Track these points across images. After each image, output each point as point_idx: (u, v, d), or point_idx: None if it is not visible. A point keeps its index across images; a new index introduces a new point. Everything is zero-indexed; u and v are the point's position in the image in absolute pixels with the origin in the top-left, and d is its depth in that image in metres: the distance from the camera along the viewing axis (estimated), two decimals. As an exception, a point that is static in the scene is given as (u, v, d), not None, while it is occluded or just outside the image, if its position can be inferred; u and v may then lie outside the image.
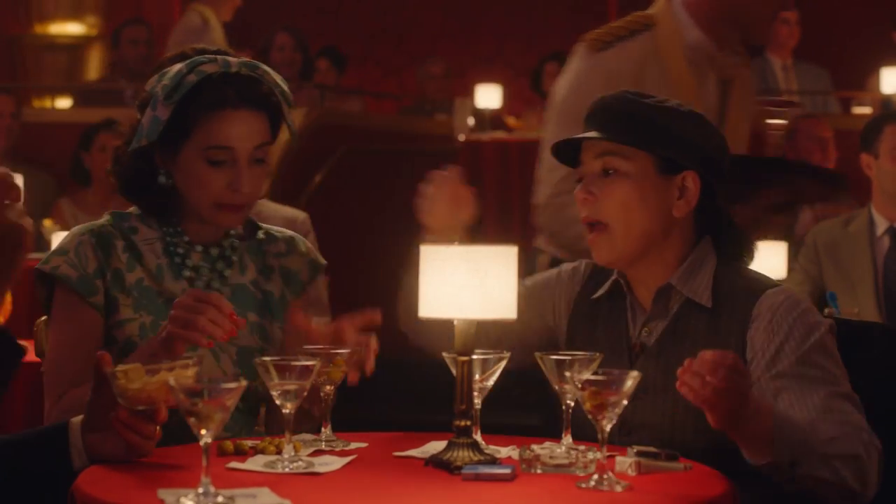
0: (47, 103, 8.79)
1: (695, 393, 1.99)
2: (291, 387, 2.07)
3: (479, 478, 2.00)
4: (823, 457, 2.12)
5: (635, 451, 2.07)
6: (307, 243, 2.62)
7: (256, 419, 2.52)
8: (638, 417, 2.21)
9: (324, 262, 2.64)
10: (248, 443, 2.20)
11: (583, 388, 1.99)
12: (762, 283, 2.36)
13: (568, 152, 2.44)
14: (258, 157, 2.44)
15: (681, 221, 2.37)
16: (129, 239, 2.48)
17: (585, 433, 2.16)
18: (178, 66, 2.41)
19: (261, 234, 2.59)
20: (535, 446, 2.10)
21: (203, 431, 1.84)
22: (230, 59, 2.43)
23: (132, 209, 2.55)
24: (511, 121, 9.07)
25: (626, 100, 2.37)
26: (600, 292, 2.48)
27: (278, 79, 2.47)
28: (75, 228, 2.49)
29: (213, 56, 2.43)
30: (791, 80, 7.98)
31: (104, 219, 2.51)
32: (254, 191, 2.44)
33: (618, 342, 2.41)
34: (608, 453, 2.00)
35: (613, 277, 2.46)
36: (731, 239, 2.42)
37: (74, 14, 9.09)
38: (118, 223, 2.50)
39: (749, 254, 2.43)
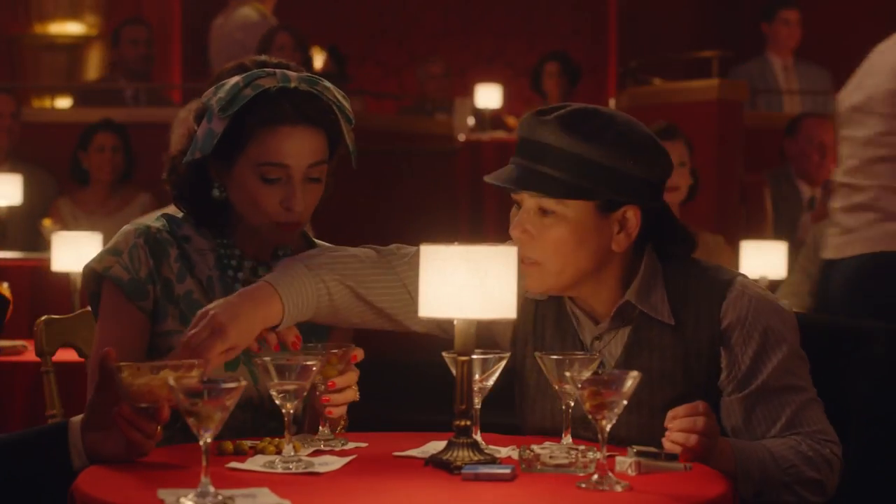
0: (47, 103, 8.79)
1: (684, 438, 2.11)
2: (291, 387, 2.07)
3: (479, 478, 2.00)
4: (786, 484, 2.22)
5: (635, 451, 2.07)
6: None
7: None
8: (614, 433, 2.17)
9: None
10: (248, 443, 2.20)
11: (582, 388, 1.99)
12: (718, 284, 2.31)
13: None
14: (313, 176, 2.38)
15: (620, 252, 2.31)
16: (182, 247, 2.44)
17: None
18: (235, 79, 2.34)
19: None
20: (535, 446, 2.10)
21: (202, 432, 1.84)
22: (290, 73, 2.36)
23: (184, 215, 2.49)
24: (511, 121, 9.07)
25: (563, 137, 2.24)
26: (540, 297, 2.40)
27: (339, 95, 2.39)
28: (128, 228, 2.43)
29: (273, 70, 2.36)
30: (792, 80, 7.99)
31: (159, 222, 2.45)
32: (307, 209, 2.39)
33: (572, 348, 2.35)
34: (608, 453, 2.00)
35: None
36: (672, 239, 2.35)
37: (74, 14, 9.09)
38: (173, 229, 2.45)
39: (692, 246, 2.36)
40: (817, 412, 2.28)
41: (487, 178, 2.34)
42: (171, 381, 1.86)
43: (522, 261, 2.27)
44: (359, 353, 2.29)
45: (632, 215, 2.27)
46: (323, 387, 2.25)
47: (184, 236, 2.45)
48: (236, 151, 2.36)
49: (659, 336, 2.31)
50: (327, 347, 2.29)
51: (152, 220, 2.47)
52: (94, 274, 2.42)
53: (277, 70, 2.37)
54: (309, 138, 2.35)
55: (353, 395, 2.29)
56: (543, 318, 2.41)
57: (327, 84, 2.39)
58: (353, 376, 2.29)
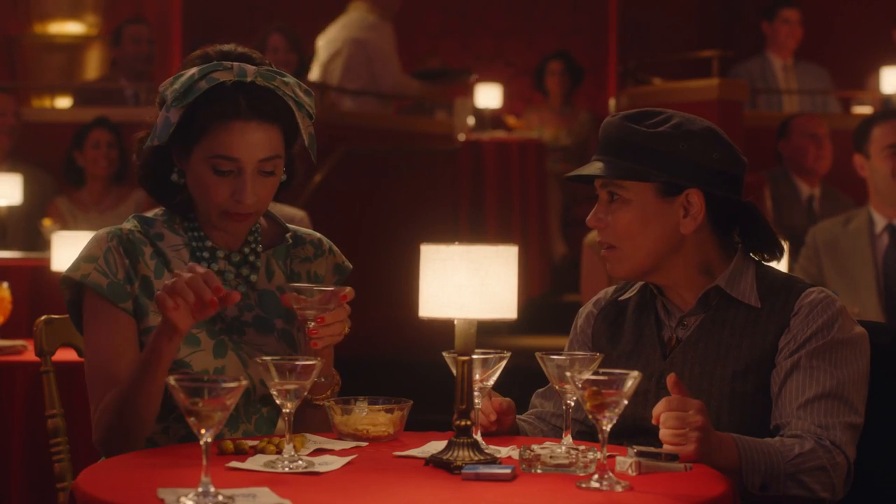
0: (47, 103, 8.78)
1: (682, 437, 2.14)
2: (291, 386, 2.07)
3: (479, 478, 2.00)
4: (791, 475, 2.25)
5: (635, 451, 2.07)
6: (334, 247, 2.60)
7: (275, 428, 2.52)
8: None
9: (350, 266, 2.61)
10: (248, 443, 2.20)
11: (583, 388, 1.99)
12: (803, 283, 2.47)
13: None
14: (266, 170, 2.40)
15: (692, 234, 2.43)
16: (156, 245, 2.45)
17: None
18: (191, 70, 2.36)
19: (288, 238, 2.56)
20: (535, 446, 2.10)
21: (203, 431, 1.84)
22: (248, 66, 2.38)
23: (155, 213, 2.51)
24: (511, 120, 9.08)
25: (623, 127, 2.42)
26: (629, 294, 2.56)
27: (299, 89, 2.41)
28: (100, 233, 2.44)
29: (230, 64, 2.37)
30: (791, 79, 7.98)
31: (130, 223, 2.47)
32: (259, 201, 2.41)
33: (649, 337, 2.48)
34: (608, 453, 2.00)
35: (642, 282, 2.54)
36: (764, 244, 2.48)
37: (74, 13, 9.08)
38: (145, 229, 2.47)
39: (780, 250, 2.50)
40: (841, 416, 2.32)
41: (566, 175, 2.55)
42: (172, 382, 1.86)
43: (602, 247, 2.47)
44: (349, 293, 2.30)
45: (695, 199, 2.41)
46: (313, 323, 2.27)
47: (156, 234, 2.47)
48: (192, 141, 2.39)
49: (734, 316, 2.42)
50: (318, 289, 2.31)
51: (124, 222, 2.49)
52: (72, 283, 2.42)
53: (235, 63, 2.38)
54: (262, 134, 2.38)
55: (340, 328, 2.31)
56: (623, 317, 2.54)
57: (287, 79, 2.40)
58: (341, 313, 2.30)
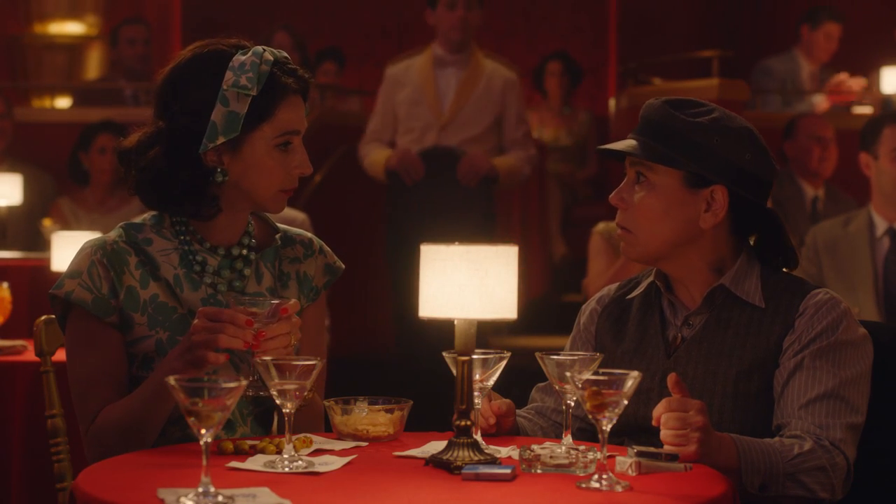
0: (47, 103, 8.79)
1: (683, 438, 2.14)
2: (291, 386, 2.07)
3: (479, 478, 2.00)
4: (791, 475, 2.26)
5: (635, 451, 2.07)
6: (325, 247, 2.59)
7: (270, 428, 2.52)
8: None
9: (342, 266, 2.61)
10: (248, 443, 2.20)
11: (583, 388, 1.99)
12: (808, 285, 2.47)
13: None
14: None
15: (710, 230, 2.43)
16: (143, 253, 2.43)
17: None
18: (249, 59, 2.39)
19: (277, 239, 2.55)
20: (535, 446, 2.10)
21: (203, 431, 1.84)
22: (272, 49, 2.45)
23: (144, 218, 2.49)
24: (510, 120, 9.04)
25: (663, 112, 2.43)
26: (636, 292, 2.56)
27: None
28: (86, 246, 2.42)
29: (261, 46, 2.43)
30: (814, 84, 8.09)
31: (115, 233, 2.45)
32: None
33: (653, 336, 2.48)
34: (608, 453, 2.00)
35: (650, 279, 2.54)
36: (774, 244, 2.48)
37: (74, 13, 9.09)
38: (131, 237, 2.44)
39: (793, 259, 2.50)
40: (842, 417, 2.33)
41: (599, 147, 2.56)
42: (172, 382, 1.86)
43: (618, 227, 2.48)
44: (291, 307, 2.30)
45: (720, 196, 2.42)
46: (253, 333, 2.26)
47: (145, 240, 2.45)
48: (251, 127, 2.39)
49: (739, 315, 2.43)
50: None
51: (111, 231, 2.47)
52: (58, 300, 2.41)
53: (264, 47, 2.44)
54: (303, 106, 2.48)
55: (285, 341, 2.30)
56: (627, 315, 2.54)
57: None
58: (284, 326, 2.29)
